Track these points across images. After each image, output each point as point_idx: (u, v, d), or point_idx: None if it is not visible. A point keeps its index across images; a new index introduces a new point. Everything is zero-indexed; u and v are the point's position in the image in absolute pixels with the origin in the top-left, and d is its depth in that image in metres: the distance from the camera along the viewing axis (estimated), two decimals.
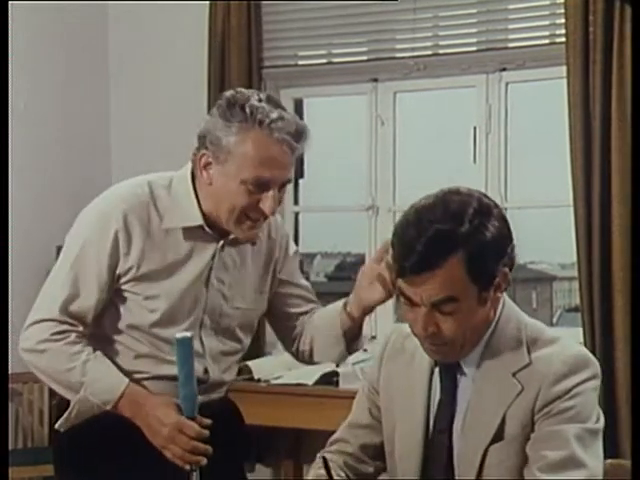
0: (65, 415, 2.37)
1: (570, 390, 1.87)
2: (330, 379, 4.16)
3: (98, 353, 2.34)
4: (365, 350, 4.40)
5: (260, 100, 2.26)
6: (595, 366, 1.91)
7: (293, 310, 2.53)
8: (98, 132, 4.92)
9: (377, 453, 2.10)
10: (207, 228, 2.34)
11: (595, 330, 3.87)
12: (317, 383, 4.14)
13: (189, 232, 2.34)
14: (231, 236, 2.36)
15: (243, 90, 2.31)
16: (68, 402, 2.36)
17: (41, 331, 2.35)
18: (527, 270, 9.47)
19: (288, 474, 4.47)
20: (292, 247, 2.55)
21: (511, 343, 1.93)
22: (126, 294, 2.35)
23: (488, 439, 1.89)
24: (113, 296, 2.35)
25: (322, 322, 2.47)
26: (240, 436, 2.53)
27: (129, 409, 2.30)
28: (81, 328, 2.35)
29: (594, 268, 3.87)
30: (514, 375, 1.90)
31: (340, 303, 2.44)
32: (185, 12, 4.67)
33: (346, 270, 9.42)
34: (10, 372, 3.69)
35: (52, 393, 4.40)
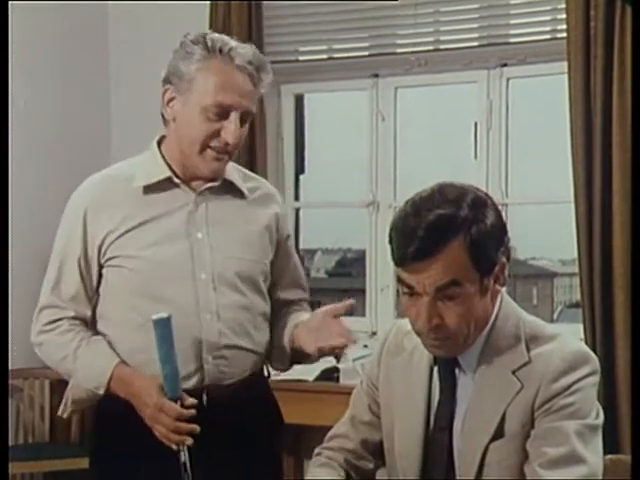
0: (63, 402, 2.41)
1: (570, 387, 1.86)
2: (331, 375, 4.16)
3: (92, 338, 2.37)
4: (366, 346, 4.41)
5: (221, 35, 2.34)
6: (594, 362, 1.91)
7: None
8: (98, 132, 4.91)
9: (377, 450, 2.09)
10: (175, 179, 2.37)
11: (596, 326, 3.87)
12: (318, 379, 4.14)
13: (161, 188, 2.37)
14: (205, 186, 2.38)
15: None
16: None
17: (38, 322, 2.41)
18: (528, 266, 9.47)
19: (288, 470, 4.47)
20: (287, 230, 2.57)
21: (510, 340, 1.93)
22: (110, 261, 2.37)
23: (488, 437, 1.88)
24: (105, 273, 2.38)
25: (281, 326, 2.47)
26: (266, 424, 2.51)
27: (121, 389, 2.32)
28: (72, 312, 2.38)
29: (595, 264, 3.87)
30: (514, 373, 1.90)
31: (298, 318, 2.44)
32: (185, 10, 4.66)
33: (347, 266, 9.41)
34: (11, 368, 3.70)
35: (52, 389, 4.41)
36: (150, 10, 4.77)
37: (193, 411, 2.24)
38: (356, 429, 2.11)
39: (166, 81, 2.36)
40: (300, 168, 4.86)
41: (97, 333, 2.41)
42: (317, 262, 9.46)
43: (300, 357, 2.46)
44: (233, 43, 2.32)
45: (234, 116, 2.29)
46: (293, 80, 4.73)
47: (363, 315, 4.64)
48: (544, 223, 4.97)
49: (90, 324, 2.42)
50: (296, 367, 4.08)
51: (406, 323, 1.98)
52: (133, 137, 4.95)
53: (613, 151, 3.83)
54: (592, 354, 1.93)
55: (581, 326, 3.93)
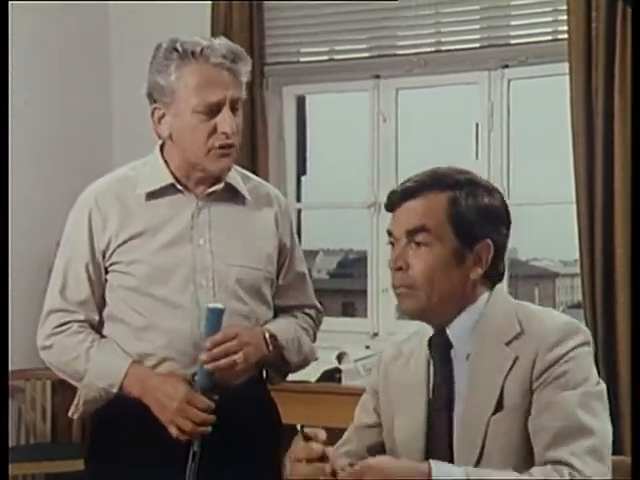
0: (75, 402, 2.41)
1: (565, 354, 1.86)
2: (333, 376, 4.16)
3: (103, 340, 2.38)
4: (367, 347, 4.41)
5: (191, 37, 2.34)
6: (586, 333, 1.92)
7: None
8: (100, 131, 4.92)
9: (381, 453, 2.10)
10: (178, 186, 2.38)
11: (597, 327, 3.87)
12: (320, 380, 4.14)
13: (164, 194, 2.39)
14: (207, 191, 2.39)
15: (173, 37, 2.38)
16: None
17: (47, 326, 2.42)
18: (529, 267, 9.45)
19: None
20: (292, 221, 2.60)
21: (501, 321, 1.94)
22: (114, 266, 2.39)
23: (490, 410, 1.88)
24: (110, 278, 2.40)
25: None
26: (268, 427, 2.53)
27: (136, 388, 2.33)
28: (82, 316, 2.40)
29: (596, 265, 3.87)
30: (507, 345, 1.90)
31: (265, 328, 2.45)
32: (187, 10, 4.66)
33: (348, 267, 9.41)
34: (13, 369, 3.70)
35: (54, 390, 4.41)
36: (151, 11, 4.77)
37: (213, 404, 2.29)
38: (359, 433, 2.12)
39: (150, 99, 2.38)
40: (302, 169, 4.86)
41: (104, 337, 2.42)
42: (319, 263, 9.45)
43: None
44: (204, 42, 2.33)
45: (224, 109, 2.32)
46: (295, 81, 4.74)
47: (365, 316, 4.65)
48: (546, 224, 4.97)
49: (98, 328, 2.43)
50: None
51: (402, 334, 2.04)
52: (135, 136, 4.96)
53: (614, 152, 3.83)
54: (583, 326, 1.94)
55: None
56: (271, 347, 2.40)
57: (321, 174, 5.16)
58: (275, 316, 2.52)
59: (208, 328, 2.26)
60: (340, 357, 4.24)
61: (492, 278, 1.98)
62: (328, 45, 4.67)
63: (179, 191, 2.40)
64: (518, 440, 1.88)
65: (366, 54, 4.60)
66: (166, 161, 2.41)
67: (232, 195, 2.45)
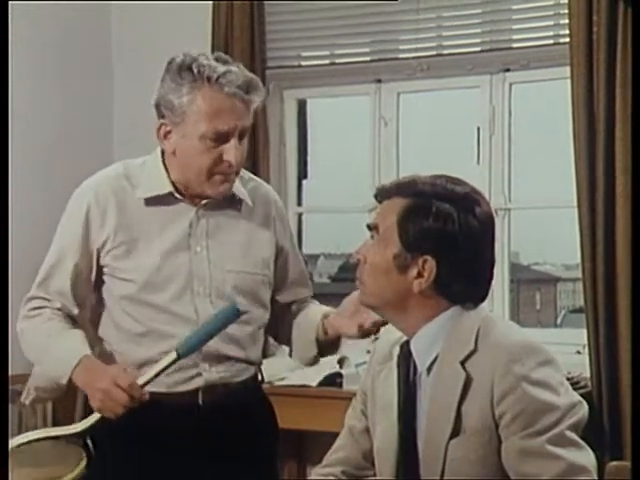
0: (27, 388, 2.44)
1: (522, 378, 1.82)
2: (334, 380, 4.15)
3: (68, 329, 2.37)
4: (369, 351, 4.40)
5: (207, 59, 2.31)
6: (544, 352, 1.87)
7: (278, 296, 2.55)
8: (101, 132, 4.91)
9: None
10: (177, 195, 2.38)
11: (599, 331, 3.86)
12: (321, 384, 4.13)
13: (163, 202, 2.39)
14: (204, 201, 2.39)
15: (191, 52, 2.35)
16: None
17: (23, 310, 2.44)
18: (531, 271, 9.45)
19: (291, 475, 4.46)
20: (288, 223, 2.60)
21: (461, 336, 1.91)
22: (109, 269, 2.39)
23: (447, 434, 1.86)
24: (103, 275, 2.40)
25: (302, 322, 2.50)
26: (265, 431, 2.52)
27: (80, 378, 2.30)
28: (58, 304, 2.39)
29: (598, 269, 3.86)
30: (463, 363, 1.88)
31: (322, 310, 2.48)
32: (188, 14, 4.66)
33: (349, 271, 9.38)
34: (15, 373, 3.69)
35: None
36: (152, 12, 4.77)
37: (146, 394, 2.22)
38: (352, 438, 2.11)
39: (159, 114, 2.36)
40: (303, 173, 4.86)
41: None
42: (320, 267, 9.44)
43: (330, 347, 2.50)
44: (221, 68, 2.30)
45: (233, 139, 2.31)
46: (295, 85, 4.73)
47: None
48: (547, 228, 4.97)
49: (74, 319, 2.43)
50: (299, 372, 4.12)
51: (395, 333, 2.03)
52: (137, 137, 4.95)
53: (616, 156, 3.82)
54: (540, 344, 1.89)
55: (584, 331, 3.93)
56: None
57: (322, 178, 5.16)
58: (283, 311, 2.53)
59: (216, 319, 2.21)
60: (341, 361, 4.24)
61: (450, 297, 1.94)
62: (329, 49, 4.67)
63: (178, 200, 2.40)
64: (479, 469, 1.85)
65: (367, 58, 4.59)
66: (167, 168, 2.41)
67: (231, 201, 2.45)
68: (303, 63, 4.73)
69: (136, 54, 4.85)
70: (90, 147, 4.79)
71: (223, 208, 2.43)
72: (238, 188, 2.46)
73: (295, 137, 4.80)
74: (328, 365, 4.18)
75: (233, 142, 2.31)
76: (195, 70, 2.29)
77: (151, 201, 2.39)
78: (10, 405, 4.26)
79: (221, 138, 2.30)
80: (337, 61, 4.65)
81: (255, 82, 2.34)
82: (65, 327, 2.39)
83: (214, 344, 2.33)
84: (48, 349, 2.37)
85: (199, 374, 2.38)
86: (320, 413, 3.98)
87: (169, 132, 2.35)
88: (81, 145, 4.78)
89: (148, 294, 2.35)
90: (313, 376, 4.10)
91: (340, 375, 4.15)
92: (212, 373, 2.38)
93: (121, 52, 4.93)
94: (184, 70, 2.31)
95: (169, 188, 2.39)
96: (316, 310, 2.51)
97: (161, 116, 2.35)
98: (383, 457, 1.99)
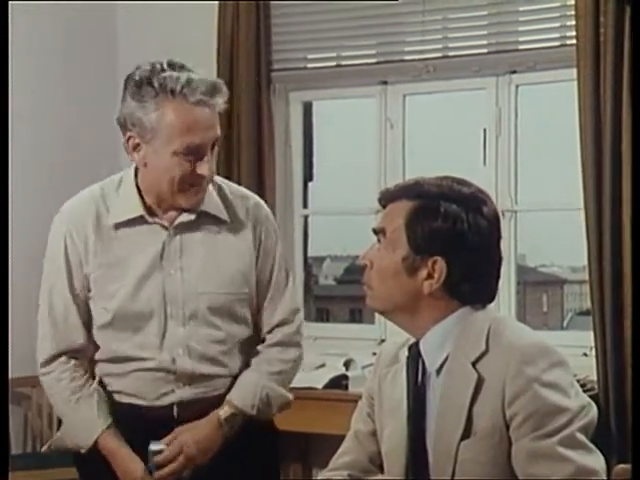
0: (48, 443, 2.49)
1: (534, 380, 1.81)
2: (340, 383, 4.15)
3: (84, 391, 2.40)
4: (375, 354, 4.39)
5: (163, 69, 2.29)
6: (556, 354, 1.86)
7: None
8: (106, 133, 4.89)
9: (381, 460, 2.08)
10: (149, 217, 2.36)
11: (606, 334, 3.85)
12: (327, 387, 4.13)
13: (136, 224, 2.37)
14: (177, 221, 2.36)
15: (145, 65, 2.33)
16: None
17: (39, 354, 2.45)
18: (538, 273, 9.45)
19: (297, 478, 4.46)
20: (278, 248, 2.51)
21: (471, 337, 1.90)
22: (90, 297, 2.40)
23: (458, 436, 1.85)
24: (91, 305, 2.41)
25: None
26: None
27: (104, 452, 2.39)
28: (77, 355, 2.42)
29: (605, 271, 3.85)
30: (474, 364, 1.87)
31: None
32: (194, 16, 4.66)
33: (355, 273, 9.40)
34: (19, 376, 3.69)
35: None
36: (158, 14, 4.77)
37: None
38: (358, 442, 2.10)
39: (124, 127, 2.32)
40: (308, 175, 4.85)
41: (93, 364, 2.45)
42: (326, 269, 9.44)
43: None
44: (182, 77, 2.26)
45: (206, 154, 2.29)
46: (301, 87, 4.73)
47: (372, 323, 4.63)
48: (554, 230, 4.96)
49: (85, 353, 2.45)
50: (305, 375, 4.11)
51: (401, 336, 2.03)
52: None
53: (623, 158, 3.81)
54: (552, 346, 1.88)
55: (591, 334, 3.91)
56: (227, 428, 2.38)
57: (328, 180, 5.16)
58: (258, 336, 2.48)
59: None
60: (347, 364, 4.23)
61: (459, 297, 1.93)
62: (335, 51, 4.66)
63: (150, 222, 2.37)
64: (489, 470, 1.84)
65: (373, 60, 4.59)
66: (139, 188, 2.38)
67: (206, 219, 2.40)
68: (309, 65, 4.72)
69: (141, 55, 4.83)
70: (93, 148, 4.79)
71: (199, 226, 2.39)
72: (213, 206, 2.41)
73: (301, 139, 4.79)
74: (334, 367, 4.17)
75: (206, 157, 2.29)
76: (156, 84, 2.26)
77: (123, 225, 2.37)
78: (16, 408, 4.27)
79: (194, 152, 2.27)
80: (343, 63, 4.65)
81: (218, 85, 2.31)
82: (79, 384, 2.41)
83: (187, 364, 2.36)
84: (65, 416, 2.43)
85: (173, 391, 2.38)
86: (326, 416, 3.97)
87: (138, 145, 2.31)
88: (84, 146, 4.77)
89: (123, 321, 2.36)
90: (319, 378, 4.09)
91: (346, 377, 4.14)
92: (186, 391, 2.38)
93: (126, 53, 4.92)
94: (145, 85, 2.27)
95: (140, 211, 2.36)
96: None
97: (128, 129, 2.31)
98: (392, 458, 1.98)
